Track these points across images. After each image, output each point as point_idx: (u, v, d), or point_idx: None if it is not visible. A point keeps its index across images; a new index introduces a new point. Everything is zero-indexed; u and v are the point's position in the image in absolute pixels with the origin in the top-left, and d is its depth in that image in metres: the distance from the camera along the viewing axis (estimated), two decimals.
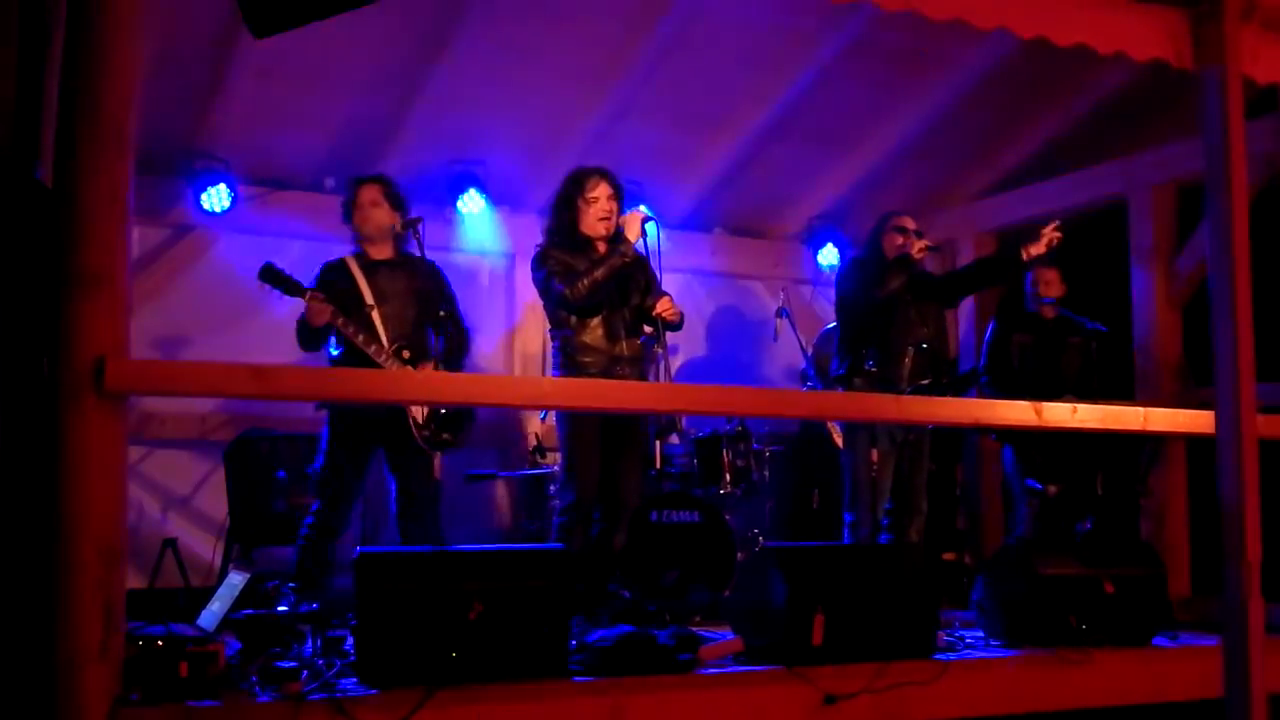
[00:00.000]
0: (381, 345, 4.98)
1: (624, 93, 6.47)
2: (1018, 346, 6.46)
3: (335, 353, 5.07)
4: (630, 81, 6.39)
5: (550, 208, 5.21)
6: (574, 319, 5.02)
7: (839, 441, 6.27)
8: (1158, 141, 6.59)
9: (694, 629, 4.65)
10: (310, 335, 4.96)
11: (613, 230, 5.06)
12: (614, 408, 4.52)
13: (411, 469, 5.09)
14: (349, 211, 5.19)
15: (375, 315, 5.05)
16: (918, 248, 5.77)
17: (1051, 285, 6.47)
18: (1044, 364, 6.39)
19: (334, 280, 5.06)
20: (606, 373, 4.96)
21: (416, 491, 5.10)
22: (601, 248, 5.09)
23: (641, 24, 6.03)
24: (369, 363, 4.90)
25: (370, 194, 5.16)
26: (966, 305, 7.77)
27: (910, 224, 5.91)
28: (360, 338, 4.91)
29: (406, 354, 5.05)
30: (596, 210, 5.07)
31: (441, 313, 5.19)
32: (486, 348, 7.51)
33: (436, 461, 5.25)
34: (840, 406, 5.11)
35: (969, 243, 7.87)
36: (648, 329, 5.25)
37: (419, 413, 5.04)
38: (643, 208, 5.11)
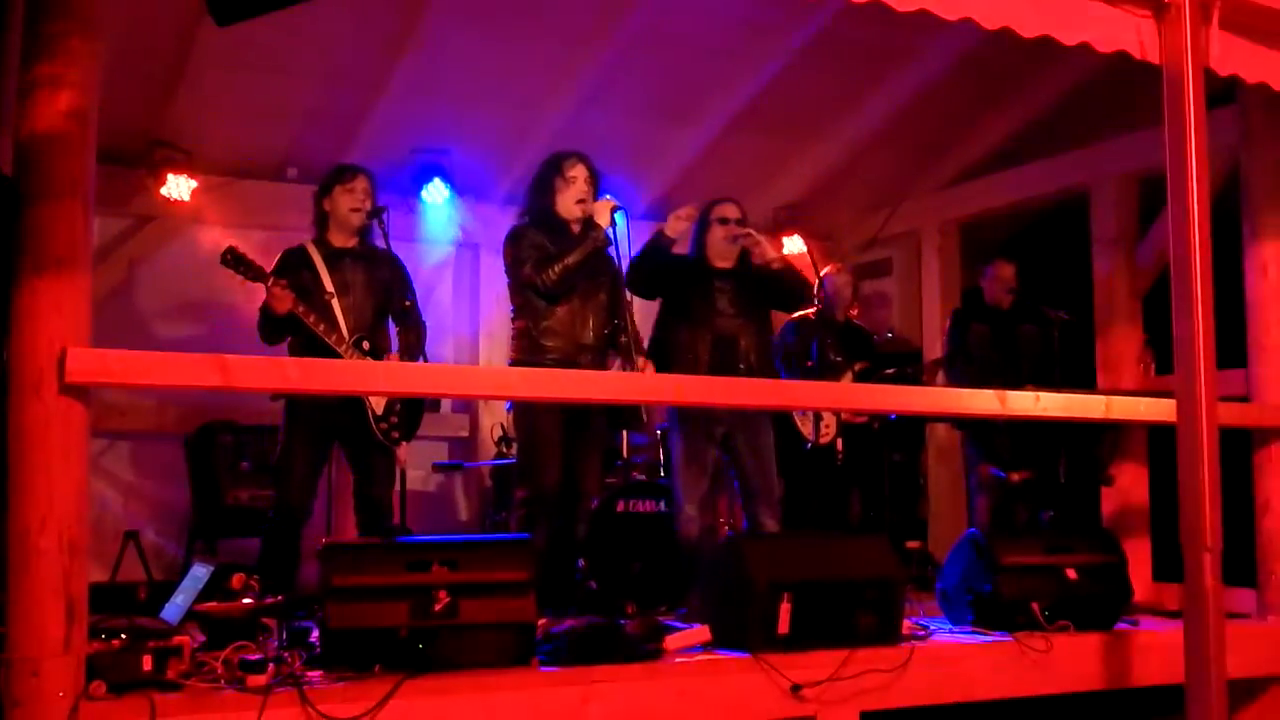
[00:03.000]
0: (342, 335, 4.95)
1: (591, 83, 6.47)
2: (976, 335, 6.53)
3: (291, 340, 5.03)
4: (597, 72, 6.39)
5: (528, 188, 5.21)
6: (540, 303, 5.00)
7: (807, 432, 6.30)
8: (1120, 133, 6.65)
9: (660, 619, 4.66)
10: (273, 326, 4.92)
11: (587, 214, 5.06)
12: (577, 397, 4.51)
13: (370, 461, 5.07)
14: (328, 195, 5.11)
15: (335, 305, 5.01)
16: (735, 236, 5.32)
17: (1005, 281, 6.58)
18: (1002, 352, 6.45)
19: (294, 267, 5.01)
20: (569, 361, 4.94)
21: (376, 483, 5.08)
22: (576, 230, 5.09)
23: (610, 14, 6.02)
24: (327, 353, 4.86)
25: (364, 184, 5.12)
26: (932, 292, 7.82)
27: (733, 212, 5.40)
28: (321, 327, 4.88)
29: (366, 345, 5.02)
30: (574, 191, 5.07)
31: (407, 303, 5.17)
32: (451, 339, 7.51)
33: (400, 452, 5.24)
34: (807, 396, 5.13)
35: (933, 233, 7.91)
36: (614, 320, 5.24)
37: (378, 405, 5.01)
38: (610, 197, 5.08)
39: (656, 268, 5.26)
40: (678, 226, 5.26)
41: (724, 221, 5.36)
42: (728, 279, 5.35)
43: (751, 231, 5.36)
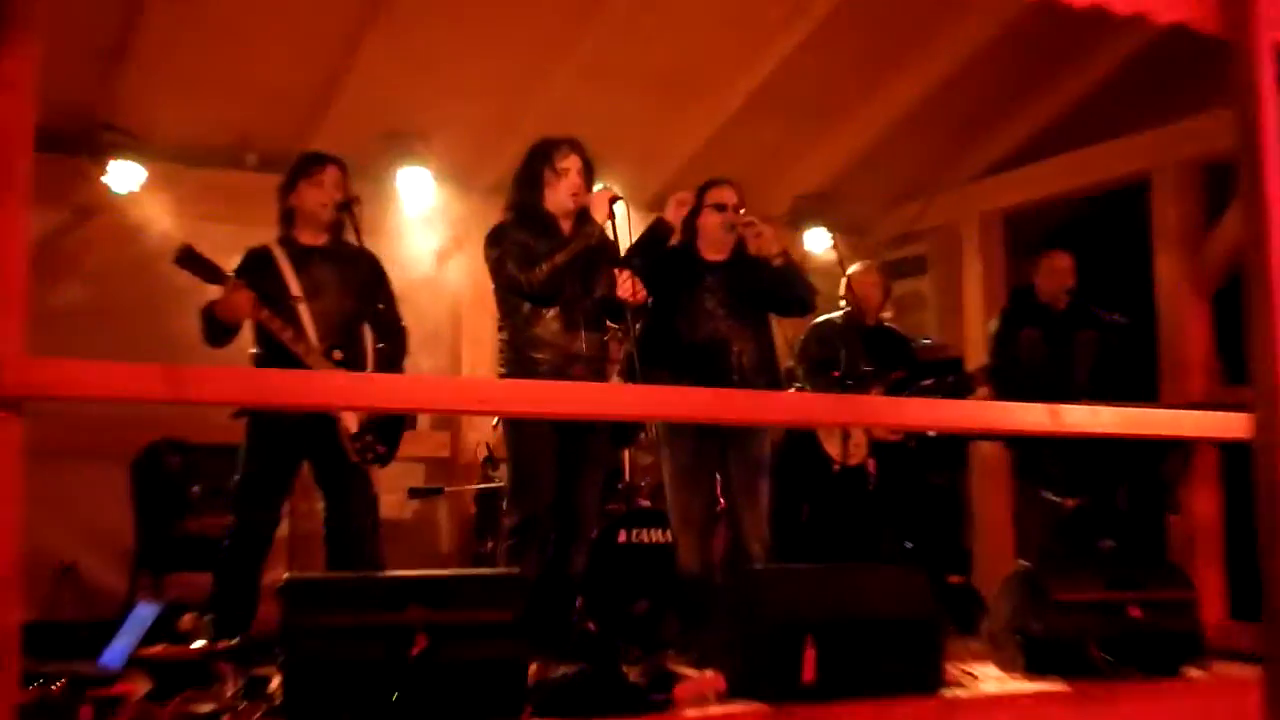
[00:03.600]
0: (310, 344, 4.93)
1: (587, 57, 6.46)
2: (1026, 342, 6.48)
3: (253, 351, 5.02)
4: (595, 44, 6.37)
5: (513, 181, 5.17)
6: (527, 308, 4.98)
7: (834, 453, 6.28)
8: (1183, 113, 6.64)
9: (668, 664, 4.64)
10: (220, 330, 4.91)
11: (580, 209, 5.03)
12: (575, 413, 4.49)
13: (344, 484, 5.05)
14: (293, 190, 5.10)
15: (303, 310, 4.99)
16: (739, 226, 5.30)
17: (1062, 275, 6.48)
18: (1055, 361, 6.41)
19: (257, 270, 5.00)
20: (560, 371, 4.92)
21: (350, 510, 5.06)
22: (567, 228, 5.06)
23: None
24: (293, 363, 4.85)
25: (335, 176, 5.11)
26: (973, 293, 7.81)
27: (730, 197, 5.38)
28: (287, 334, 4.86)
29: (338, 355, 5.00)
30: (567, 184, 5.03)
31: (380, 306, 5.16)
32: (430, 346, 7.49)
33: (373, 475, 5.22)
34: (828, 410, 5.09)
35: (974, 226, 7.90)
36: (613, 324, 5.22)
37: (352, 420, 5.00)
38: (611, 186, 5.06)
39: (653, 261, 5.23)
40: (680, 213, 5.25)
41: (720, 208, 5.34)
42: (718, 273, 5.33)
43: (754, 220, 5.32)
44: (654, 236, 5.24)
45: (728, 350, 5.22)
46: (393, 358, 5.22)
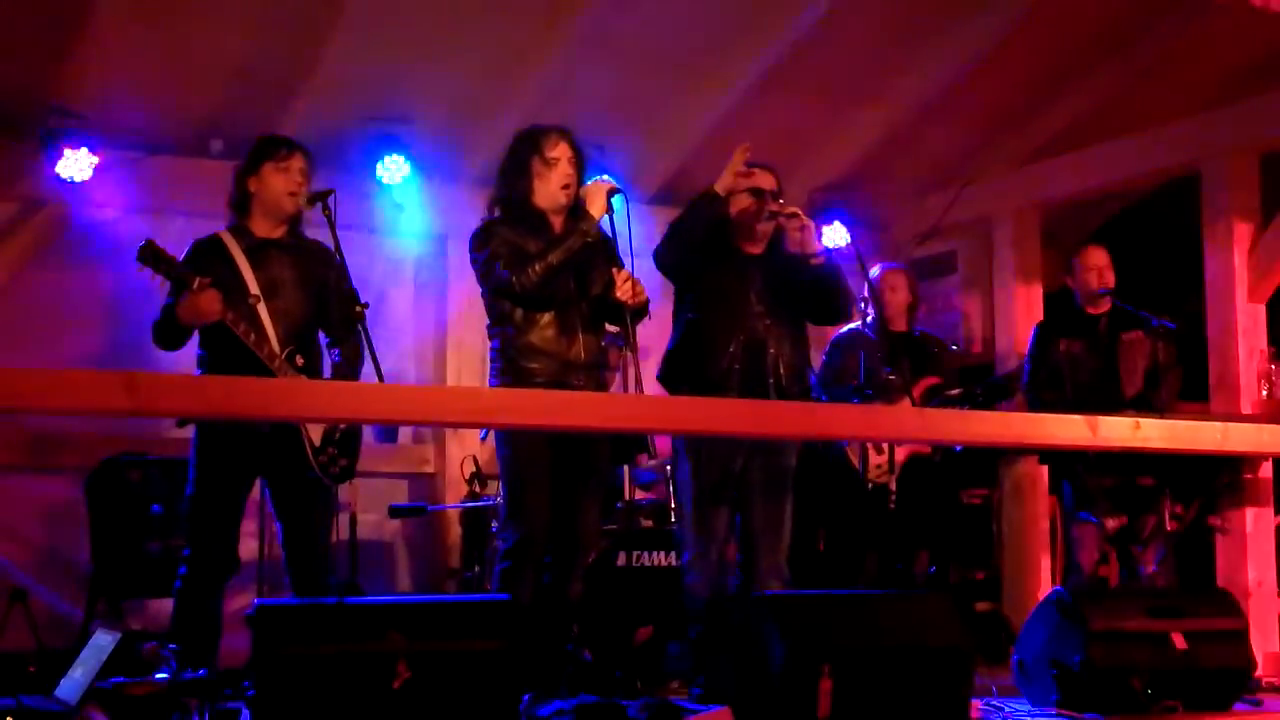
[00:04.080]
0: (272, 349, 4.94)
1: (584, 32, 6.46)
2: (1066, 354, 6.47)
3: (199, 353, 5.03)
4: (591, 18, 6.38)
5: (498, 174, 5.17)
6: (519, 313, 4.99)
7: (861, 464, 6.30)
8: (1236, 98, 6.66)
9: (671, 698, 4.67)
10: (178, 332, 4.92)
11: (572, 202, 5.03)
12: (571, 425, 4.51)
13: (304, 502, 5.06)
14: (255, 173, 5.09)
15: (262, 309, 5.00)
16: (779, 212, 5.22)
17: (1099, 273, 6.49)
18: (1098, 371, 6.42)
19: (208, 263, 4.98)
20: (557, 381, 4.93)
21: (312, 530, 5.08)
22: (559, 224, 5.05)
23: None
24: (255, 369, 4.85)
25: (300, 163, 5.11)
26: (1007, 294, 7.81)
27: (769, 182, 5.30)
28: (252, 338, 4.88)
29: (300, 359, 5.02)
30: (558, 176, 5.02)
31: (335, 308, 5.14)
32: (413, 352, 7.52)
33: (347, 492, 5.25)
34: (851, 423, 5.12)
35: (1008, 220, 7.91)
36: (612, 328, 5.23)
37: (316, 433, 5.01)
38: (607, 177, 5.06)
39: (698, 240, 5.10)
40: (737, 184, 5.10)
41: (758, 194, 5.25)
42: (756, 267, 5.30)
43: (799, 211, 5.21)
44: (703, 208, 5.08)
45: (764, 352, 5.18)
46: (351, 362, 5.19)
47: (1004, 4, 6.49)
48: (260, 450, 4.94)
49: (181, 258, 4.94)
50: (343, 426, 5.04)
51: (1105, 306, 6.53)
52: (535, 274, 4.87)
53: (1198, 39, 6.56)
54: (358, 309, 5.14)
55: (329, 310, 5.15)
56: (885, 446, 6.39)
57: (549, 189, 5.03)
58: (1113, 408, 5.83)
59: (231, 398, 3.73)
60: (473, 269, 5.09)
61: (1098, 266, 6.50)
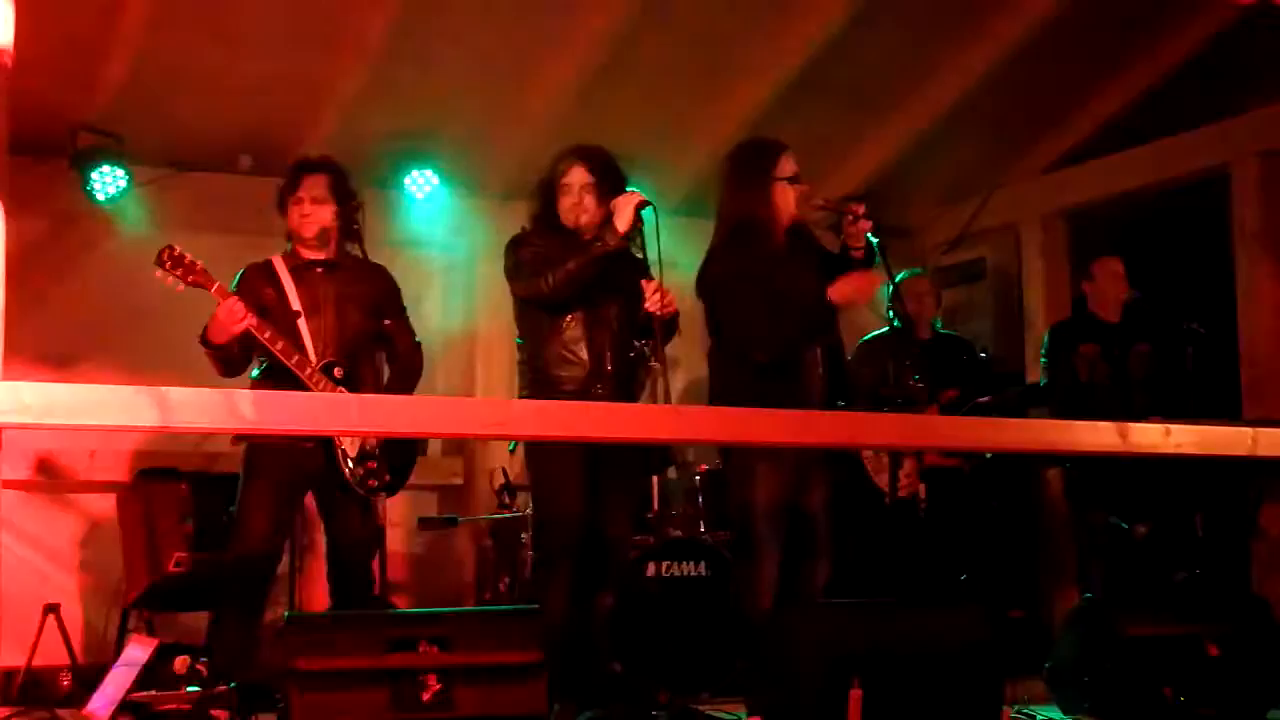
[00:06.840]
0: (307, 359, 4.98)
1: (611, 42, 6.47)
2: (1084, 360, 6.44)
3: (255, 374, 5.09)
4: (618, 28, 6.39)
5: (533, 190, 5.25)
6: (547, 323, 5.03)
7: (885, 485, 6.28)
8: (1267, 101, 6.63)
9: (702, 709, 4.66)
10: (220, 356, 4.97)
11: (596, 221, 5.05)
12: (598, 436, 4.50)
13: (344, 515, 5.11)
14: (284, 203, 5.20)
15: (303, 325, 5.06)
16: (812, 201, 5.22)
17: (1113, 280, 6.49)
18: (1115, 377, 6.39)
19: (257, 287, 5.08)
20: (585, 391, 4.95)
21: (349, 543, 5.12)
22: (590, 237, 5.09)
23: None
24: (295, 383, 4.90)
25: (314, 187, 5.17)
26: (1035, 301, 7.78)
27: (795, 166, 5.19)
28: (279, 345, 4.91)
29: (338, 372, 5.05)
30: (567, 201, 5.10)
31: (387, 322, 5.21)
32: (441, 364, 7.53)
33: (380, 505, 5.27)
34: (879, 431, 5.08)
35: (1035, 227, 7.89)
36: (640, 342, 5.24)
37: (350, 446, 5.04)
38: (637, 190, 5.07)
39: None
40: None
41: (794, 180, 5.12)
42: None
43: (851, 204, 5.10)
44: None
45: (809, 349, 5.06)
46: (404, 376, 5.28)
47: (1029, 10, 6.48)
48: (308, 462, 4.99)
49: (236, 279, 5.04)
50: (373, 440, 5.06)
51: (1117, 312, 6.52)
52: (555, 279, 4.94)
53: (1224, 42, 6.53)
54: (386, 323, 5.25)
55: (377, 324, 5.23)
56: (910, 456, 6.37)
57: (562, 211, 5.11)
58: (1132, 411, 5.82)
59: (260, 412, 3.74)
60: (504, 273, 5.15)
61: (1111, 274, 6.52)
